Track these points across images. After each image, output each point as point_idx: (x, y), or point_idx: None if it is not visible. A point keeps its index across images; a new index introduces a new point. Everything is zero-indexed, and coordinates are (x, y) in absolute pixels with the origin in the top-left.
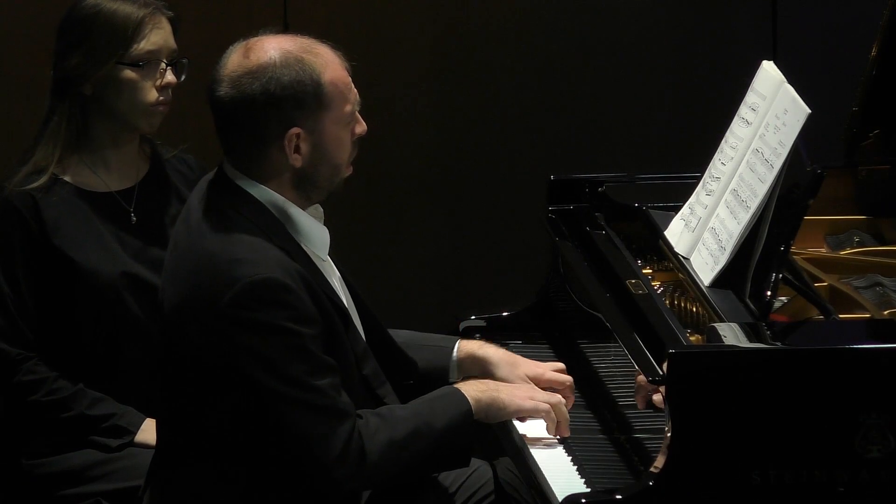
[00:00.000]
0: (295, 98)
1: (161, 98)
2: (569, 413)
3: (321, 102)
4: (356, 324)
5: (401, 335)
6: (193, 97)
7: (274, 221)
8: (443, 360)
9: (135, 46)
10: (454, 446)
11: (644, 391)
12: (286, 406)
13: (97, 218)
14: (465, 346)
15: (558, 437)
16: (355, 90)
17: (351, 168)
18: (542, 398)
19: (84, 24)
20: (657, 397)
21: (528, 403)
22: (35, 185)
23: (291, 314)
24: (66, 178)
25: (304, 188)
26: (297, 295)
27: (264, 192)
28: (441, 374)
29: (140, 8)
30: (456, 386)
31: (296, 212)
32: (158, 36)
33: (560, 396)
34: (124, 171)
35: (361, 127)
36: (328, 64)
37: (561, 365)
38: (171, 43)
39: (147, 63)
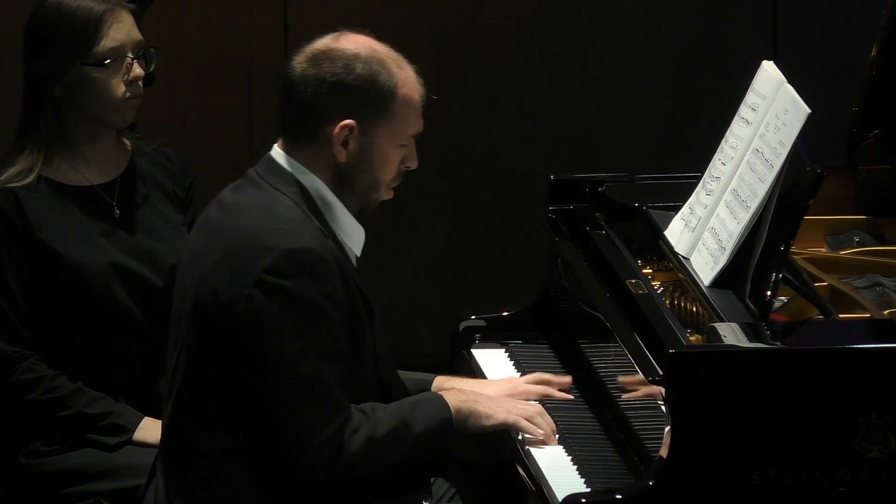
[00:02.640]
0: (363, 93)
1: (129, 94)
2: (568, 413)
3: (385, 110)
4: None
5: None
6: (192, 96)
7: (315, 207)
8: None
9: (97, 46)
10: (431, 452)
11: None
12: (287, 382)
13: (80, 212)
14: (436, 384)
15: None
16: (421, 122)
17: (391, 192)
18: (521, 411)
19: (45, 28)
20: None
21: (510, 418)
22: (18, 184)
23: (324, 289)
24: (47, 176)
25: (342, 189)
26: (332, 271)
27: (310, 179)
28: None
29: (99, 4)
30: (439, 393)
31: (337, 204)
32: (120, 31)
33: (540, 407)
34: (103, 165)
35: (412, 161)
36: (408, 81)
37: (545, 376)
38: (135, 35)
39: (112, 60)
